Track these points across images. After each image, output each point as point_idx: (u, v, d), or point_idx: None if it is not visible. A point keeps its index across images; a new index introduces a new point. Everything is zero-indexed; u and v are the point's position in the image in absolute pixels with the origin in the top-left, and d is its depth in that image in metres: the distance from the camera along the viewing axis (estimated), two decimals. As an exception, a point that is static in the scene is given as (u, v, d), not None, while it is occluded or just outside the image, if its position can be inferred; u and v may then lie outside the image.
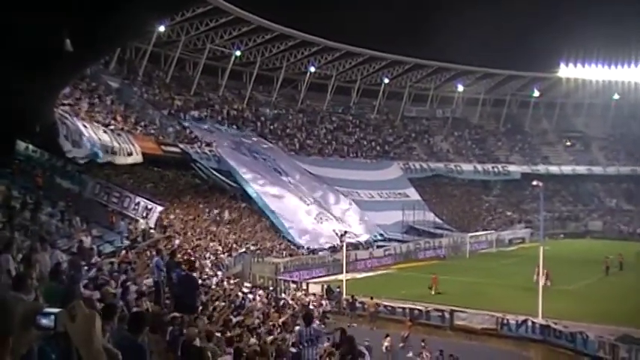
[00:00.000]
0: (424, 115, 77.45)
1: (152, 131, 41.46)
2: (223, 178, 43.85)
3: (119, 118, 37.31)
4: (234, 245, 36.57)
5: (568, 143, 79.41)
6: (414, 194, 59.96)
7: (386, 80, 70.64)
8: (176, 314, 11.42)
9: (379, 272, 40.97)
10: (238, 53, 58.36)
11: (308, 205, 46.47)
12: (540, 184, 33.87)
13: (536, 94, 77.45)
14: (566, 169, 73.61)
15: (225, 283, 26.22)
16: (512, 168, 71.58)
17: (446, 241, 50.79)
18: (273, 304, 25.14)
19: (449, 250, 49.29)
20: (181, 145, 42.70)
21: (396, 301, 29.84)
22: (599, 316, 25.78)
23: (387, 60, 67.03)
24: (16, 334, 1.97)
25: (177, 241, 29.73)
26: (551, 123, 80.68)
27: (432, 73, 71.60)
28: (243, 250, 36.50)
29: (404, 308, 28.60)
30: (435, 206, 60.78)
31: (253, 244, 38.18)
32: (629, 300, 29.17)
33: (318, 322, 20.16)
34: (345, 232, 36.69)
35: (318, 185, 51.88)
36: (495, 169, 71.16)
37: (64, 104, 28.37)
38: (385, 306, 29.21)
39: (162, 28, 49.28)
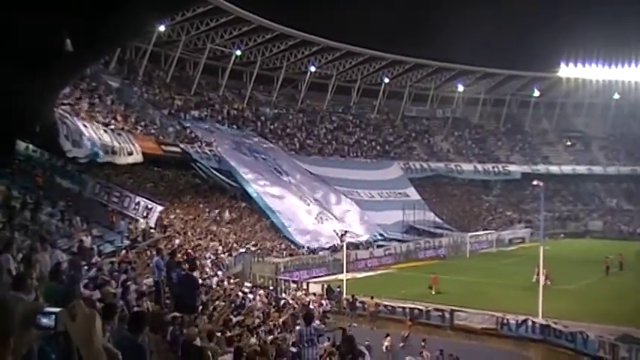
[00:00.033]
0: (424, 115, 77.44)
1: (152, 131, 41.45)
2: (223, 177, 43.84)
3: (119, 118, 37.30)
4: (235, 245, 36.57)
5: (568, 143, 79.40)
6: (414, 194, 59.96)
7: (386, 80, 70.63)
8: (176, 314, 11.43)
9: (379, 272, 40.97)
10: (238, 53, 58.35)
11: (308, 204, 46.47)
12: (540, 183, 33.84)
13: (537, 93, 77.43)
14: (567, 168, 73.60)
15: (225, 282, 26.24)
16: (512, 168, 71.58)
17: (446, 240, 50.79)
18: (274, 303, 25.14)
19: (449, 250, 49.29)
20: (181, 145, 42.69)
21: (397, 300, 29.84)
22: (600, 316, 25.77)
23: (388, 60, 67.02)
24: (16, 334, 1.98)
25: (177, 241, 29.74)
26: (551, 123, 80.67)
27: (432, 72, 71.59)
28: (244, 250, 36.49)
29: (404, 308, 28.60)
30: (435, 206, 60.79)
31: (254, 245, 38.15)
32: (629, 300, 29.15)
33: (318, 322, 20.14)
34: (346, 231, 36.68)
35: (319, 186, 51.86)
36: (495, 169, 71.15)
37: (64, 104, 28.36)
38: (385, 306, 29.21)
39: (162, 28, 49.26)
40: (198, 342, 9.52)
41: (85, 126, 28.20)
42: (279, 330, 18.59)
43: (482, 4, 66.80)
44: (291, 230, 42.57)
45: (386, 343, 22.73)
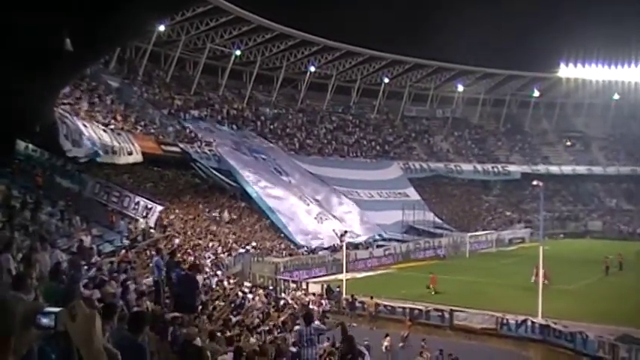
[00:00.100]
0: (424, 115, 77.44)
1: (152, 131, 41.46)
2: (223, 177, 43.84)
3: (119, 118, 37.32)
4: (234, 245, 36.57)
5: (568, 143, 79.40)
6: (413, 194, 59.95)
7: (386, 80, 70.63)
8: (176, 314, 11.44)
9: (379, 272, 40.96)
10: (238, 53, 58.34)
11: (308, 204, 46.45)
12: (540, 184, 33.86)
13: (536, 94, 77.42)
14: (566, 169, 73.61)
15: (225, 282, 26.26)
16: (512, 168, 71.58)
17: (446, 240, 50.78)
18: (273, 303, 25.15)
19: (449, 250, 49.27)
20: (181, 145, 42.70)
21: (396, 300, 29.84)
22: (599, 316, 25.77)
23: (387, 60, 67.03)
24: (16, 334, 1.98)
25: (177, 241, 29.77)
26: (551, 123, 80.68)
27: (432, 72, 71.59)
28: (244, 250, 36.48)
29: (404, 308, 28.60)
30: (435, 206, 60.78)
31: (254, 247, 38.06)
32: (628, 300, 29.15)
33: (317, 322, 20.15)
34: (345, 231, 36.66)
35: (321, 187, 51.81)
36: (495, 169, 71.16)
37: (64, 104, 28.40)
38: (385, 306, 29.21)
39: (162, 28, 49.26)
40: (198, 342, 9.52)
41: (85, 126, 28.23)
42: (278, 330, 18.60)
43: (482, 4, 66.81)
44: (290, 230, 42.56)
45: (385, 343, 22.74)
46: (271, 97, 65.13)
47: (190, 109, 52.55)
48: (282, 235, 42.38)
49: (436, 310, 28.00)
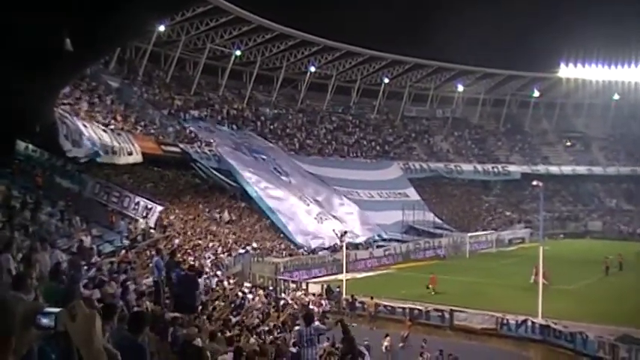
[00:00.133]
0: (424, 115, 77.43)
1: (152, 131, 41.45)
2: (223, 177, 43.83)
3: (119, 118, 37.31)
4: (234, 245, 36.56)
5: (568, 143, 79.39)
6: (413, 194, 59.93)
7: (386, 80, 70.62)
8: (177, 314, 11.44)
9: (379, 272, 40.96)
10: (238, 53, 58.34)
11: (308, 205, 46.43)
12: (540, 184, 33.87)
13: (536, 94, 77.41)
14: (566, 169, 73.59)
15: (225, 282, 26.27)
16: (512, 168, 71.55)
17: (446, 241, 50.76)
18: (273, 303, 25.16)
19: (449, 250, 49.27)
20: (181, 145, 42.70)
21: (396, 300, 29.85)
22: (599, 316, 25.77)
23: (387, 60, 67.02)
24: (16, 334, 1.98)
25: (177, 241, 29.76)
26: (551, 123, 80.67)
27: (432, 73, 71.58)
28: (245, 250, 36.46)
29: (404, 308, 28.61)
30: (435, 206, 60.75)
31: (254, 248, 37.99)
32: (628, 300, 29.16)
33: (317, 322, 20.15)
34: (345, 231, 36.66)
35: (321, 187, 51.76)
36: (495, 169, 71.14)
37: (64, 104, 28.39)
38: (385, 306, 29.23)
39: (162, 28, 49.25)
40: (198, 342, 9.52)
41: (85, 126, 28.22)
42: (278, 330, 18.60)
43: (481, 4, 66.75)
44: (290, 230, 42.55)
45: (385, 343, 22.75)
46: (271, 98, 65.13)
47: (190, 109, 52.55)
48: (282, 235, 42.38)
49: (436, 310, 28.01)
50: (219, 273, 28.39)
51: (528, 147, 77.77)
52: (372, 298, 29.40)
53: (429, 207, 58.46)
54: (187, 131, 47.01)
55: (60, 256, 14.61)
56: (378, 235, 48.88)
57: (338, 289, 31.42)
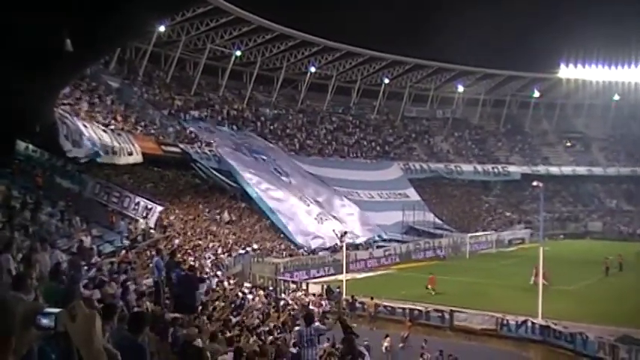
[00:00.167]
0: (424, 116, 77.43)
1: (152, 131, 41.45)
2: (223, 178, 43.83)
3: (119, 118, 37.31)
4: (234, 246, 36.55)
5: (568, 144, 79.39)
6: (414, 195, 59.93)
7: (386, 80, 70.61)
8: (177, 315, 11.44)
9: (379, 272, 40.95)
10: (238, 53, 58.34)
11: (308, 205, 46.41)
12: (540, 184, 33.83)
13: (537, 94, 77.40)
14: (567, 169, 73.57)
15: (225, 283, 26.27)
16: (512, 168, 71.55)
17: (446, 241, 50.76)
18: (273, 304, 25.15)
19: (449, 251, 49.27)
20: (181, 145, 42.69)
21: (396, 301, 29.83)
22: (599, 317, 25.76)
23: (388, 60, 67.03)
24: (16, 335, 1.98)
25: (177, 241, 29.74)
26: (551, 124, 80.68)
27: (432, 73, 71.60)
28: (245, 251, 36.44)
29: (404, 308, 28.59)
30: (435, 207, 60.76)
31: (253, 249, 37.94)
32: (628, 300, 29.16)
33: (317, 323, 20.15)
34: (345, 232, 36.65)
35: (322, 188, 51.74)
36: (495, 170, 71.13)
37: (64, 104, 28.38)
38: (385, 306, 29.21)
39: (162, 28, 49.26)
40: (198, 343, 9.51)
41: (85, 126, 28.21)
42: (278, 330, 18.59)
43: (482, 5, 66.85)
44: (291, 230, 42.54)
45: (385, 344, 22.73)
46: (271, 98, 65.14)
47: (190, 109, 52.56)
48: (282, 235, 42.36)
49: (436, 310, 28.00)
50: (219, 273, 28.38)
51: (528, 147, 77.77)
52: (372, 298, 29.39)
53: (429, 207, 58.46)
54: (187, 131, 47.01)
55: (60, 256, 14.61)
56: (378, 236, 48.87)
57: (338, 290, 31.40)
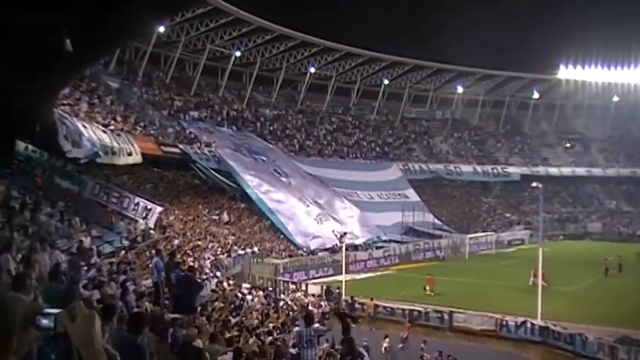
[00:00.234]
0: (424, 117, 77.46)
1: (152, 132, 41.45)
2: (223, 178, 43.82)
3: (119, 119, 37.30)
4: (234, 246, 36.53)
5: (567, 145, 79.38)
6: (413, 195, 59.93)
7: (386, 81, 70.64)
8: (176, 315, 11.43)
9: (379, 273, 40.95)
10: (238, 54, 58.35)
11: (308, 206, 46.41)
12: (540, 185, 33.92)
13: (536, 95, 77.42)
14: (566, 170, 73.58)
15: (224, 283, 26.25)
16: (511, 169, 71.55)
17: (445, 242, 50.76)
18: (272, 304, 25.14)
19: (448, 252, 49.26)
20: (181, 146, 42.68)
21: (396, 302, 29.84)
22: (599, 318, 25.77)
23: (387, 61, 67.05)
24: (16, 335, 1.97)
25: (176, 242, 29.71)
26: (550, 124, 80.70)
27: (431, 74, 71.63)
28: (246, 251, 36.41)
29: (403, 309, 28.61)
30: (435, 207, 60.76)
31: (252, 251, 37.88)
32: (628, 301, 29.17)
33: (317, 324, 20.15)
34: (345, 232, 36.65)
35: (323, 190, 51.72)
36: (495, 171, 71.15)
37: (63, 104, 28.38)
38: (384, 307, 29.22)
39: (162, 29, 49.27)
40: (198, 343, 9.50)
41: (85, 126, 28.21)
42: (278, 331, 18.58)
43: (482, 5, 66.80)
44: (290, 231, 42.52)
45: (385, 345, 22.74)
46: (271, 99, 65.15)
47: (190, 110, 52.57)
48: (282, 236, 42.35)
49: (435, 311, 28.01)
50: (218, 274, 28.36)
51: (528, 148, 77.80)
52: (371, 299, 29.40)
53: (429, 208, 58.44)
54: (187, 132, 47.02)
55: (59, 256, 14.59)
56: (378, 237, 48.86)
57: (337, 290, 31.41)
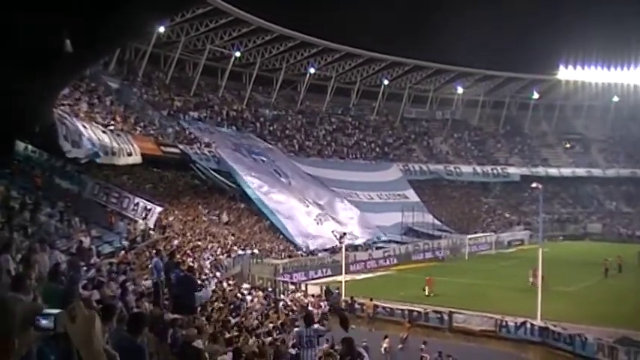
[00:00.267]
0: (424, 117, 77.49)
1: (151, 132, 41.44)
2: (223, 178, 43.82)
3: (119, 119, 37.28)
4: (234, 246, 36.51)
5: (567, 145, 79.44)
6: (413, 196, 59.95)
7: (385, 82, 70.65)
8: (176, 315, 11.42)
9: (378, 273, 40.96)
10: (238, 54, 58.36)
11: (307, 206, 46.41)
12: (539, 186, 33.92)
13: (536, 96, 77.47)
14: (566, 171, 73.62)
15: (224, 284, 26.24)
16: (511, 170, 71.59)
17: (445, 242, 50.78)
18: (272, 305, 25.13)
19: (448, 252, 49.27)
20: (181, 146, 42.66)
21: (395, 302, 29.84)
22: (598, 318, 25.78)
23: (387, 61, 67.06)
24: (15, 335, 1.97)
25: (176, 242, 29.69)
26: (550, 125, 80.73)
27: (431, 74, 71.65)
28: (246, 252, 36.39)
29: (403, 310, 28.62)
30: (434, 208, 60.78)
31: (251, 253, 37.84)
32: (627, 302, 29.17)
33: (317, 324, 20.13)
34: (345, 233, 36.65)
35: (323, 191, 51.70)
36: (495, 171, 71.18)
37: (63, 105, 28.36)
38: (384, 307, 29.22)
39: (162, 29, 49.27)
40: (198, 343, 9.50)
41: (85, 126, 28.17)
42: (277, 331, 18.58)
43: (482, 5, 66.86)
44: (290, 231, 42.51)
45: (384, 345, 22.73)
46: (271, 99, 65.16)
47: (190, 110, 52.57)
48: (282, 236, 42.34)
49: (435, 312, 28.02)
50: (218, 274, 28.35)
51: (528, 149, 77.83)
52: (371, 299, 29.40)
53: (429, 209, 58.48)
54: (187, 132, 47.00)
55: (59, 256, 14.59)
56: (377, 237, 48.86)
57: (337, 291, 31.41)
